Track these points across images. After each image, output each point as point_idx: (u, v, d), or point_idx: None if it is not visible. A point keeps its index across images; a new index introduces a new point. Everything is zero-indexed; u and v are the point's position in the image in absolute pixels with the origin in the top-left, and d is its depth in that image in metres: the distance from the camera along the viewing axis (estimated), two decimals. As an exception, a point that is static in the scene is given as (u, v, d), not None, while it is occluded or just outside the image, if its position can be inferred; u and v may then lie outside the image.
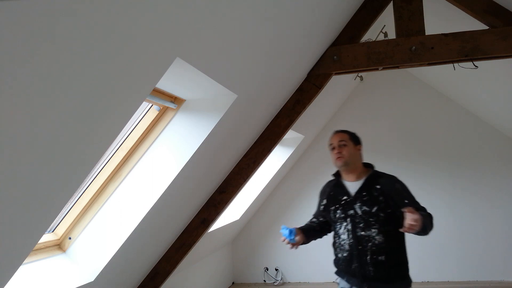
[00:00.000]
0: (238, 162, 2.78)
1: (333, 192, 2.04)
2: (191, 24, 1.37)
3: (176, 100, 2.14)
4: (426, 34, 2.45)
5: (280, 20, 1.92)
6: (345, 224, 1.92)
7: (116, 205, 2.14)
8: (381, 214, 1.83)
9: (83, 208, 2.15)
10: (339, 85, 3.87)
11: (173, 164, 2.11)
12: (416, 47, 2.43)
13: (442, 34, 2.41)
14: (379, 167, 2.00)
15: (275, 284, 4.74)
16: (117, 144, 2.18)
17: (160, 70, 1.43)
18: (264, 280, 4.82)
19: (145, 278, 2.69)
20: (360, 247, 1.85)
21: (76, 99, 1.14)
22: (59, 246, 2.17)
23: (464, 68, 2.80)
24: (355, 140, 2.01)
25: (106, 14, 1.03)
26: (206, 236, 3.16)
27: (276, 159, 4.22)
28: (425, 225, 1.72)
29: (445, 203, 4.37)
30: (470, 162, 4.37)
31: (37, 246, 2.00)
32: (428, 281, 4.36)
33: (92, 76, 1.14)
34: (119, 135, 1.58)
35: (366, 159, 2.03)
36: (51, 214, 1.40)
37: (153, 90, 1.82)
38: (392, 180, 1.93)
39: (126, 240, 2.07)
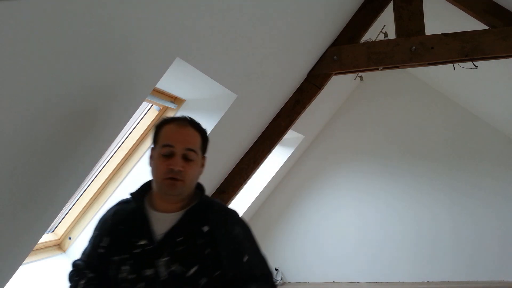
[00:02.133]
0: (238, 162, 2.78)
1: (124, 226, 1.11)
2: (191, 24, 1.37)
3: (176, 100, 2.14)
4: (426, 34, 2.45)
5: (280, 20, 1.92)
6: None
7: (116, 205, 2.14)
8: (203, 280, 1.03)
9: (83, 208, 2.15)
10: (339, 85, 3.87)
11: (173, 164, 2.11)
12: (416, 47, 2.43)
13: (442, 34, 2.41)
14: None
15: (275, 284, 4.74)
16: (117, 144, 2.18)
17: (160, 70, 1.43)
18: (264, 280, 4.81)
19: (145, 278, 2.69)
20: None
21: (76, 99, 1.14)
22: (59, 246, 2.17)
23: (464, 68, 2.80)
24: (205, 147, 1.17)
25: (106, 14, 1.03)
26: (206, 236, 3.15)
27: (276, 159, 4.22)
28: None
29: (445, 203, 4.37)
30: (470, 162, 4.37)
31: (37, 246, 2.00)
32: (428, 281, 4.36)
33: (92, 76, 1.14)
34: (119, 135, 1.58)
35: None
36: (51, 214, 1.40)
37: (153, 90, 1.82)
38: (230, 220, 1.14)
39: (126, 240, 2.07)
